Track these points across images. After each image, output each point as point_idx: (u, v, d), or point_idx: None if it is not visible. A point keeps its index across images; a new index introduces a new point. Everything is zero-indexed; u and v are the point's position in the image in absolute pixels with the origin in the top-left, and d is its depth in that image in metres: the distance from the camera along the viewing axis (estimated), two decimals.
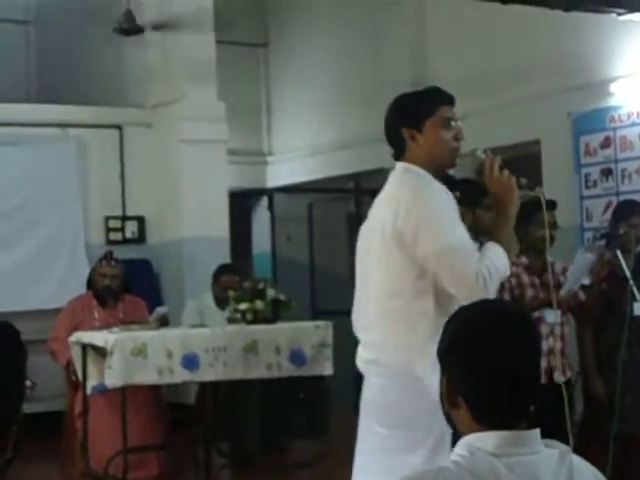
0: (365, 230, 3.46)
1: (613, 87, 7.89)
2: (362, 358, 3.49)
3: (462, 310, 2.10)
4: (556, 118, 7.98)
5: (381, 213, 3.35)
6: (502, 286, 5.44)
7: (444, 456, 2.91)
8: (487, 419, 1.95)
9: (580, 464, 1.99)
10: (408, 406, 3.31)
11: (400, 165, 3.43)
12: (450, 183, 3.53)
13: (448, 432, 2.99)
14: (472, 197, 5.28)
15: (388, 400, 3.36)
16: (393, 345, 3.33)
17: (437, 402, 2.88)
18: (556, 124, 8.13)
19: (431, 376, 2.93)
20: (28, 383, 1.88)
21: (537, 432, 1.97)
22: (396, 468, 3.16)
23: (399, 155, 3.45)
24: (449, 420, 2.04)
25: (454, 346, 2.01)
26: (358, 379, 3.67)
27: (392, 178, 3.44)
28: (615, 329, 5.29)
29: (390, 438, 3.35)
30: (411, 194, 3.29)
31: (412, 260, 3.24)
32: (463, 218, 5.22)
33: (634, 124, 7.80)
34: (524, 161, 8.76)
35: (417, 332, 3.25)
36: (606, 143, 7.91)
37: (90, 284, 7.78)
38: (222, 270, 8.22)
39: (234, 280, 8.00)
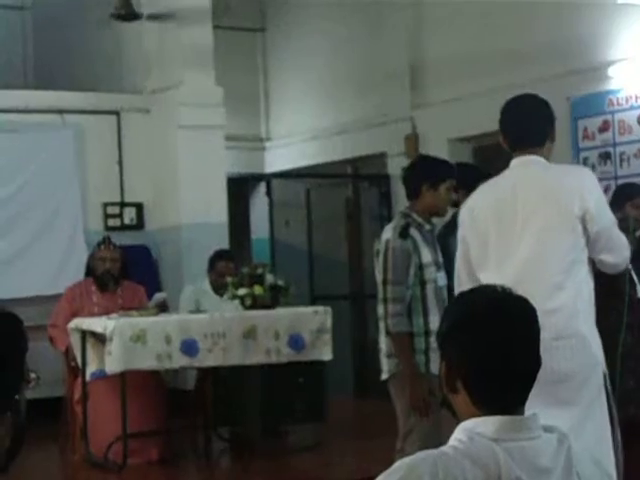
0: (513, 205, 3.91)
1: (611, 71, 7.88)
2: None
3: (462, 295, 2.10)
4: (554, 102, 7.85)
5: (556, 195, 3.86)
6: None
7: (604, 405, 3.82)
8: (486, 404, 1.95)
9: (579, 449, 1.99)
10: (572, 362, 3.79)
11: (539, 158, 4.00)
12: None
13: (604, 384, 3.83)
14: (468, 180, 5.30)
15: (549, 361, 3.59)
16: (571, 310, 3.83)
17: (596, 356, 3.80)
18: (554, 108, 8.05)
19: (592, 334, 3.84)
20: (33, 375, 1.87)
21: (536, 417, 1.97)
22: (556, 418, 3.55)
23: (535, 149, 4.01)
24: (448, 405, 2.04)
25: (453, 331, 2.01)
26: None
27: (542, 166, 4.00)
28: (617, 312, 5.29)
29: (547, 394, 3.63)
30: (588, 181, 3.93)
31: (583, 233, 3.84)
32: (460, 201, 5.26)
33: (632, 108, 7.79)
34: None
35: (584, 296, 3.87)
36: (604, 127, 7.90)
37: (88, 271, 7.78)
38: (218, 256, 8.22)
39: (229, 267, 8.01)
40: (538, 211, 3.88)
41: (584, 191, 3.86)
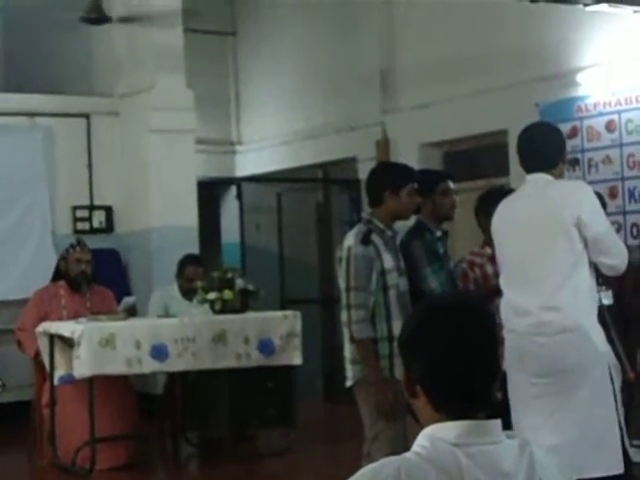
0: (527, 218, 4.48)
1: (580, 77, 7.93)
2: (530, 323, 4.34)
3: (422, 302, 2.12)
4: (523, 108, 8.02)
5: (552, 206, 4.40)
6: (466, 276, 5.49)
7: (608, 389, 4.24)
8: (445, 409, 1.97)
9: (541, 455, 2.01)
10: (574, 354, 4.26)
11: (547, 176, 4.52)
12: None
13: (607, 371, 4.26)
14: (427, 185, 5.31)
15: (555, 353, 4.28)
16: (572, 306, 4.30)
17: (598, 349, 4.25)
18: (523, 114, 8.15)
19: (596, 328, 4.32)
20: None
21: (498, 422, 1.98)
22: (567, 404, 4.27)
23: (548, 169, 4.53)
24: (412, 412, 2.05)
25: (411, 337, 2.03)
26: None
27: (545, 183, 4.51)
28: None
29: (553, 384, 4.29)
30: (581, 193, 4.44)
31: (580, 239, 4.32)
32: (422, 207, 5.28)
33: (601, 114, 7.85)
34: (492, 151, 8.80)
35: (584, 294, 4.32)
36: (573, 133, 7.95)
37: (57, 274, 7.72)
38: (186, 261, 8.20)
39: (198, 272, 8.00)
40: (538, 222, 4.41)
41: (576, 201, 4.37)
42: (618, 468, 4.27)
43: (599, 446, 4.25)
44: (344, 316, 4.86)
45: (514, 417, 4.39)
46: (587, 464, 4.17)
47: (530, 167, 4.57)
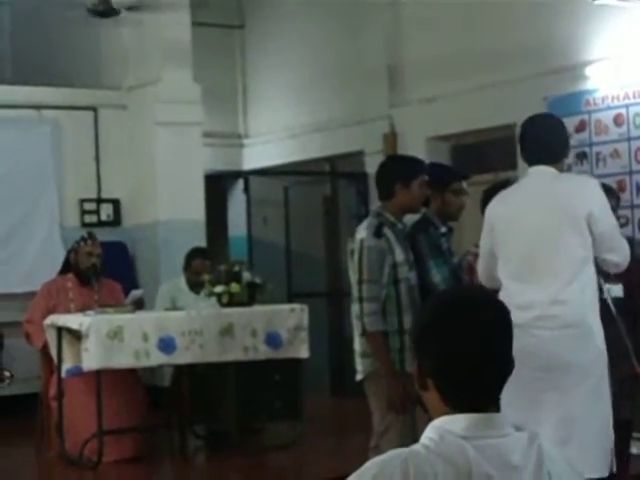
0: (537, 211, 4.40)
1: (588, 71, 7.91)
2: (533, 316, 4.26)
3: (433, 297, 2.12)
4: (531, 102, 7.99)
5: (562, 200, 4.35)
6: (472, 268, 5.50)
7: (607, 388, 4.26)
8: (455, 402, 1.97)
9: (550, 448, 2.00)
10: (577, 351, 4.24)
11: (553, 170, 4.46)
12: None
13: (607, 369, 4.26)
14: (440, 181, 5.32)
15: (557, 347, 4.24)
16: (579, 301, 4.28)
17: (599, 347, 4.24)
18: (531, 108, 8.11)
19: (598, 325, 4.29)
20: (7, 374, 1.87)
21: (506, 415, 1.98)
22: (569, 400, 4.23)
23: (552, 163, 4.47)
24: (422, 402, 2.06)
25: (423, 331, 2.03)
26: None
27: (552, 175, 4.46)
28: None
29: (556, 378, 4.24)
30: (591, 188, 4.41)
31: (589, 234, 4.30)
32: (431, 201, 5.29)
33: (609, 108, 7.83)
34: (499, 144, 8.79)
35: (590, 291, 4.33)
36: (581, 127, 7.93)
37: (66, 266, 7.73)
38: (194, 254, 8.22)
39: (205, 265, 8.01)
40: (550, 215, 4.35)
41: (587, 196, 4.35)
42: (602, 471, 4.20)
43: (591, 446, 4.20)
44: (356, 309, 4.86)
45: (518, 412, 4.33)
46: (586, 463, 4.11)
47: (533, 159, 4.50)
